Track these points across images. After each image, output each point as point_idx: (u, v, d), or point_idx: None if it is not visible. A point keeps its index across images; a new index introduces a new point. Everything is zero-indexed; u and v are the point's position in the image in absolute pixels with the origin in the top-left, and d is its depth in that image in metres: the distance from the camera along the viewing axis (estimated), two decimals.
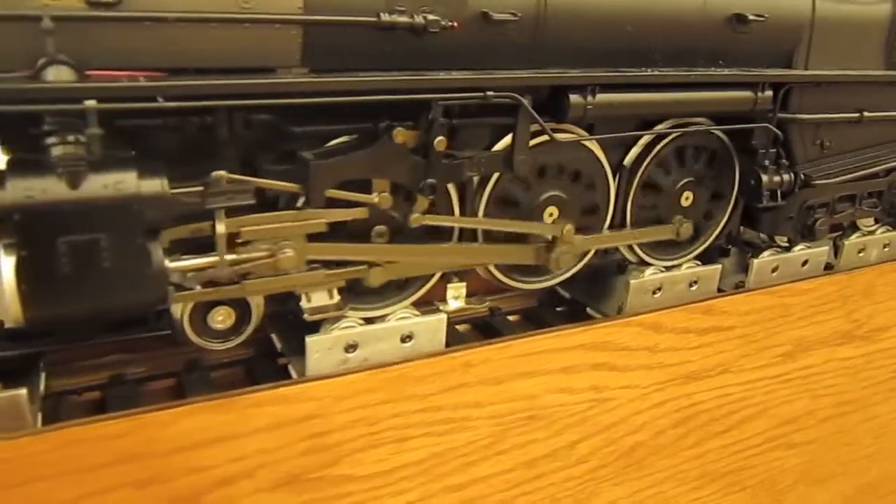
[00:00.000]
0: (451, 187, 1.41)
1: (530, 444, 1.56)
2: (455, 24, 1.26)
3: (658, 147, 1.63)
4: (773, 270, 1.94)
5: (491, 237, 1.52)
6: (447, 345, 1.51)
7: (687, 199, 1.73)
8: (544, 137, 1.43)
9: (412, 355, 1.43)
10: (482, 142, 1.42)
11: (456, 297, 1.55)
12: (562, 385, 1.56)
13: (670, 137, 1.63)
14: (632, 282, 1.71)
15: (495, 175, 1.45)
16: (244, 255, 1.21)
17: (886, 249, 2.15)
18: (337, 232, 1.32)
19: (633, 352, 1.65)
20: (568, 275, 1.66)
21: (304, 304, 1.31)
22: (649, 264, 1.78)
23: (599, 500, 1.69)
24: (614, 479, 1.72)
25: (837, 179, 1.83)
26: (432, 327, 1.47)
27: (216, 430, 1.24)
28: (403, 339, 1.45)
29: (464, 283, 1.55)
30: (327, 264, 1.32)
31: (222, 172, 1.15)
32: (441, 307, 1.54)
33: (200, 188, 1.13)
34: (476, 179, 1.43)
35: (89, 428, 1.16)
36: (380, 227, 1.38)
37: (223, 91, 1.11)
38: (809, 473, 2.15)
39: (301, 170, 1.21)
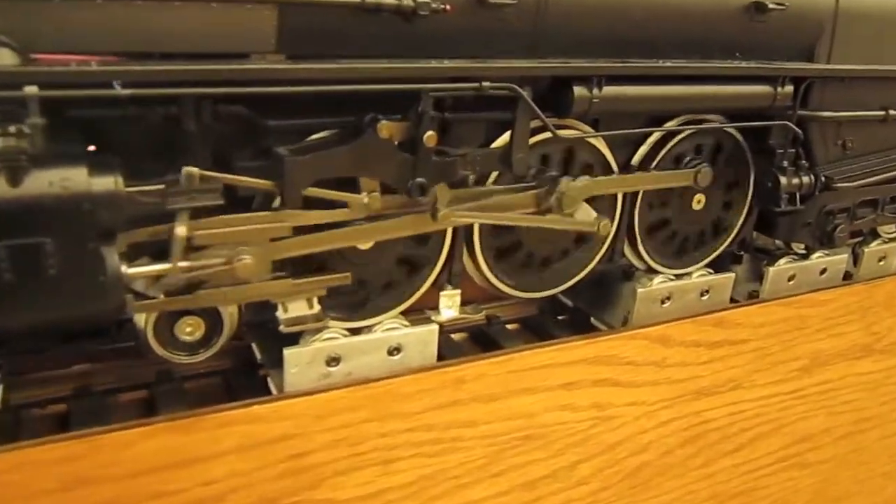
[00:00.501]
0: None
1: (528, 465, 1.48)
2: (447, 6, 1.15)
3: (669, 146, 1.51)
4: (790, 279, 1.82)
5: None
6: (439, 357, 1.40)
7: (699, 202, 1.62)
8: (546, 134, 1.32)
9: (400, 370, 1.33)
10: (477, 138, 1.31)
11: (449, 307, 1.44)
12: (563, 402, 1.47)
13: (683, 135, 1.51)
14: (639, 290, 1.60)
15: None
16: (198, 262, 1.09)
17: None
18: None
19: (640, 367, 1.54)
20: (570, 283, 1.55)
21: (280, 314, 1.20)
22: (657, 272, 1.66)
23: None
24: (618, 502, 1.62)
25: (860, 182, 1.71)
26: (423, 339, 1.36)
27: (182, 452, 1.14)
28: (391, 352, 1.34)
29: (458, 291, 1.43)
30: (301, 271, 1.20)
31: (191, 169, 1.03)
32: (433, 317, 1.42)
33: (161, 187, 1.01)
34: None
35: (39, 450, 1.06)
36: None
37: (187, 78, 0.99)
38: (823, 493, 2.06)
39: (276, 167, 1.10)
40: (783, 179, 1.59)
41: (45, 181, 0.92)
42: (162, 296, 1.10)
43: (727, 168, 1.64)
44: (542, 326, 1.79)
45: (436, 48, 1.18)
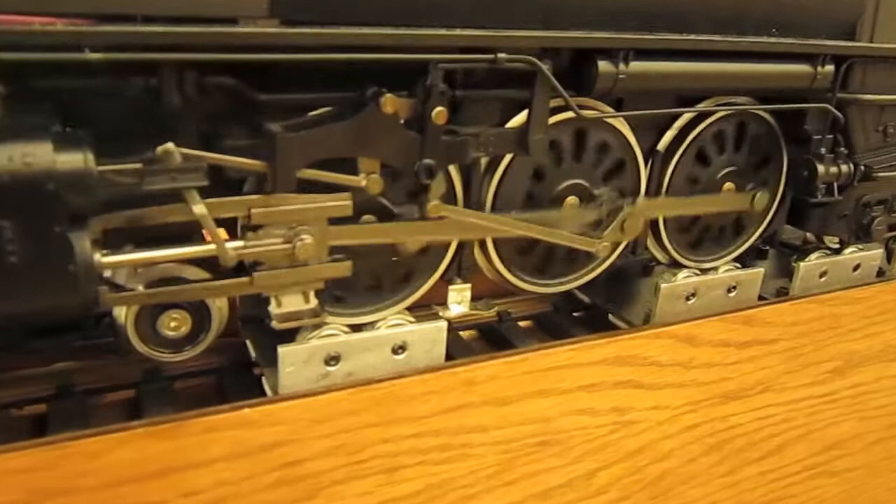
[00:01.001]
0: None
1: (543, 473, 1.38)
2: None
3: (698, 129, 1.40)
4: (822, 276, 1.70)
5: None
6: (448, 357, 1.30)
7: (728, 191, 1.50)
8: (567, 114, 1.21)
9: (405, 370, 1.24)
10: (491, 117, 1.20)
11: (459, 302, 1.32)
12: (581, 405, 1.38)
13: (714, 117, 1.39)
14: (663, 286, 1.48)
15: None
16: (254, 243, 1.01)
17: None
18: None
19: (664, 367, 1.44)
20: (586, 279, 1.43)
21: (273, 308, 1.09)
22: (682, 266, 1.54)
23: None
24: None
25: None
26: (430, 337, 1.26)
27: (164, 460, 1.05)
28: (395, 351, 1.24)
29: (468, 285, 1.32)
30: None
31: (168, 146, 0.92)
32: (441, 313, 1.31)
33: (138, 165, 0.90)
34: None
35: (3, 458, 0.96)
36: (367, 218, 1.15)
37: (166, 42, 0.88)
38: (852, 502, 1.95)
39: (267, 145, 0.99)
40: (820, 168, 1.49)
41: (4, 156, 0.81)
42: (141, 287, 0.99)
43: (759, 155, 1.52)
44: (556, 324, 1.70)
45: (446, 16, 1.07)
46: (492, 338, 1.65)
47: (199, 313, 1.11)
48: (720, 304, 1.57)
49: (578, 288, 1.50)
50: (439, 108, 1.05)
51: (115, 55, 0.85)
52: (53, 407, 1.31)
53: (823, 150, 1.49)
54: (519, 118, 1.20)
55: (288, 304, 1.09)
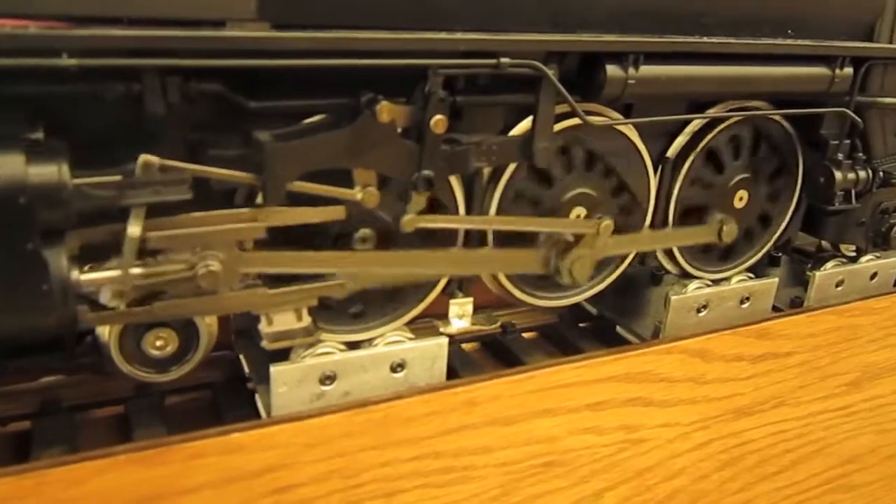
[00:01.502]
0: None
1: (548, 494, 1.33)
2: None
3: (710, 136, 1.34)
4: (838, 285, 1.64)
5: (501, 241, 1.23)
6: (450, 371, 1.25)
7: (741, 199, 1.44)
8: (573, 121, 1.15)
9: (404, 389, 1.18)
10: (494, 125, 1.14)
11: (460, 316, 1.27)
12: (588, 424, 1.32)
13: (726, 123, 1.33)
14: (673, 298, 1.42)
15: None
16: (154, 269, 0.92)
17: None
18: (302, 238, 1.04)
19: (675, 384, 1.38)
20: (591, 292, 1.38)
21: (263, 327, 1.03)
22: (693, 276, 1.48)
23: None
24: None
25: None
26: (430, 354, 1.20)
27: (148, 488, 1.00)
28: (394, 369, 1.19)
29: (470, 299, 1.27)
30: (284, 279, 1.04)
31: (148, 157, 0.87)
32: (442, 328, 1.26)
33: (117, 178, 0.85)
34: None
35: None
36: (364, 231, 1.09)
37: (148, 47, 0.83)
38: None
39: (256, 155, 0.93)
40: (838, 174, 1.42)
41: None
42: (122, 306, 0.93)
43: (774, 161, 1.46)
44: (562, 336, 1.65)
45: (446, 18, 1.01)
46: (495, 350, 1.60)
47: (187, 331, 1.06)
48: (733, 315, 1.51)
49: (587, 299, 1.44)
50: (439, 117, 0.99)
51: (90, 60, 0.80)
52: (38, 424, 1.26)
53: (841, 156, 1.43)
54: (522, 125, 1.14)
55: (279, 322, 1.04)
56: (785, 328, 1.50)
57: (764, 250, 1.55)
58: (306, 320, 1.05)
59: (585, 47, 1.11)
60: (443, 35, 0.98)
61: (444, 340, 1.21)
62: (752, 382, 1.49)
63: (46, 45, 0.78)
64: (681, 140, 1.36)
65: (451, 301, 1.27)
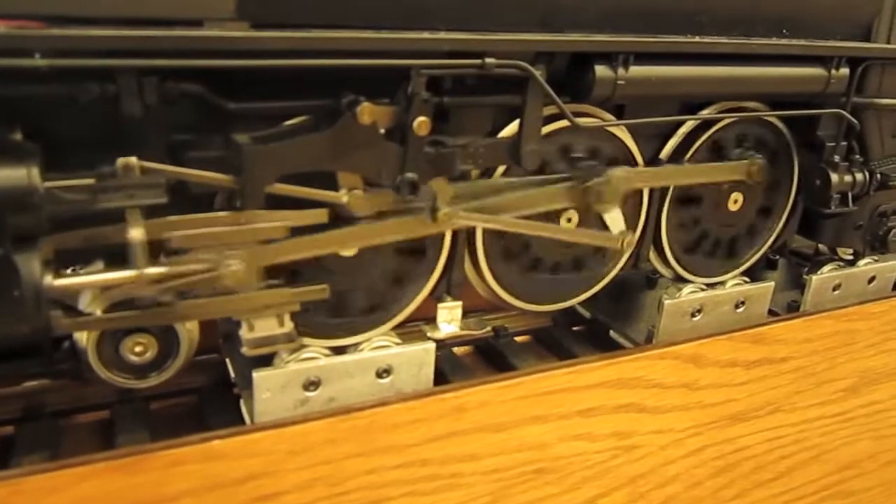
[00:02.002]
0: None
1: (539, 501, 1.31)
2: None
3: (703, 137, 1.32)
4: (835, 289, 1.62)
5: None
6: (438, 378, 1.23)
7: (735, 202, 1.42)
8: (561, 123, 1.13)
9: (390, 395, 1.17)
10: (482, 126, 1.12)
11: (449, 321, 1.25)
12: (579, 431, 1.31)
13: (720, 124, 1.31)
14: (667, 302, 1.40)
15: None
16: (175, 269, 0.91)
17: None
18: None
19: (668, 389, 1.36)
20: (586, 295, 1.36)
21: (244, 333, 1.01)
22: (686, 280, 1.46)
23: None
24: None
25: None
26: (417, 359, 1.18)
27: (127, 496, 0.99)
28: (380, 374, 1.17)
29: (458, 303, 1.24)
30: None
31: (128, 159, 0.85)
32: (429, 332, 1.23)
33: (90, 181, 0.83)
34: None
35: None
36: None
37: (123, 46, 0.81)
38: None
39: (234, 158, 0.91)
40: (834, 177, 1.41)
41: None
42: (99, 311, 0.91)
43: (768, 163, 1.44)
44: (555, 339, 1.63)
45: (429, 18, 0.99)
46: (487, 354, 1.58)
47: (167, 337, 1.04)
48: (728, 320, 1.49)
49: (580, 303, 1.42)
50: (421, 118, 0.97)
51: (62, 61, 0.78)
52: (21, 430, 1.24)
53: (837, 158, 1.41)
54: (510, 127, 1.12)
55: (260, 328, 1.02)
56: (781, 333, 1.48)
57: (759, 253, 1.53)
58: (288, 326, 1.03)
59: (574, 47, 1.09)
60: (426, 35, 0.96)
61: (432, 346, 1.20)
62: (746, 388, 1.47)
63: (18, 45, 0.76)
64: (673, 142, 1.33)
65: (440, 305, 1.25)
